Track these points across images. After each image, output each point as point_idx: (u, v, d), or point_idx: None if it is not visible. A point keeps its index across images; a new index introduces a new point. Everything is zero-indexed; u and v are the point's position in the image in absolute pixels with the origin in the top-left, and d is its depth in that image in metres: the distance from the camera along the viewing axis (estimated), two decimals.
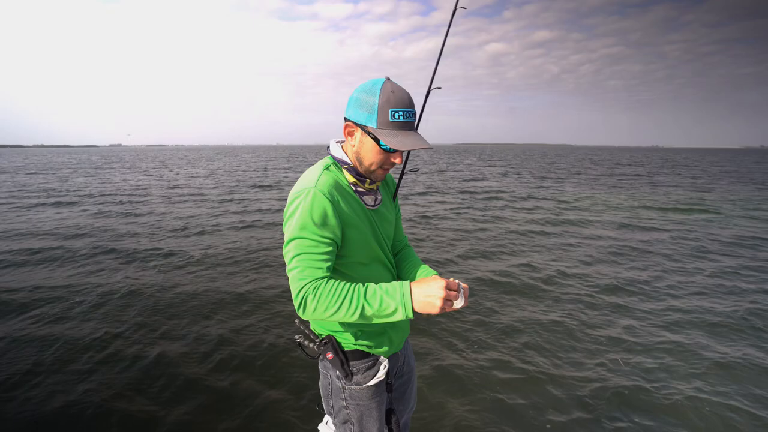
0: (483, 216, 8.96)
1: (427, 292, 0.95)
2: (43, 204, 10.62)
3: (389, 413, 1.25)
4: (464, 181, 17.32)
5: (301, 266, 0.99)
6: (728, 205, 10.55)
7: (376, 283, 1.05)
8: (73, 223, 8.10)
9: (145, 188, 14.29)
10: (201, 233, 7.25)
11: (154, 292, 4.36)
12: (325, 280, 0.99)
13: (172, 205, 10.44)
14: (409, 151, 1.40)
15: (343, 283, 0.99)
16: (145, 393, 2.63)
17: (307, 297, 0.97)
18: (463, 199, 11.71)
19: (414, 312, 0.96)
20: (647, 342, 3.22)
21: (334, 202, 1.04)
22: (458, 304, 0.97)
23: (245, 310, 3.87)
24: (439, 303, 0.94)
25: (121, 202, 10.83)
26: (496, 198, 11.95)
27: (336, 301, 0.96)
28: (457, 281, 0.99)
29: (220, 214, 9.18)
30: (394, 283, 1.00)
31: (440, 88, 1.21)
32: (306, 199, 1.01)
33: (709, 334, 3.36)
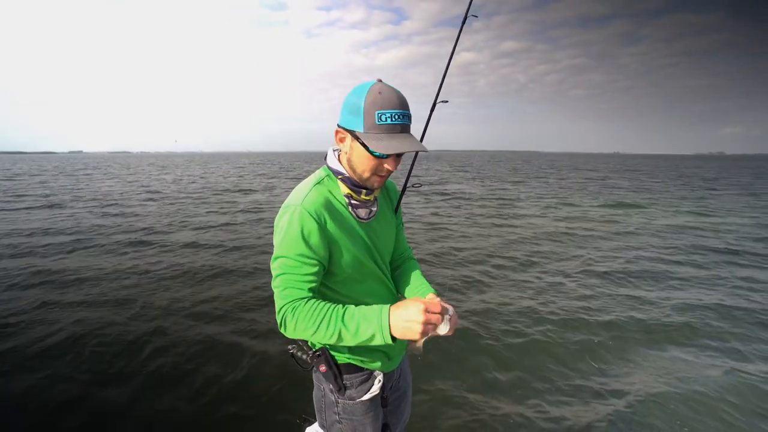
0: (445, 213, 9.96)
1: (405, 317, 0.89)
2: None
3: (384, 428, 1.23)
4: (433, 184, 18.48)
5: (283, 286, 0.98)
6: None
7: (372, 300, 1.02)
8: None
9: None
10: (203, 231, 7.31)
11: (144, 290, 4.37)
12: (305, 300, 0.97)
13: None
14: (412, 161, 1.37)
15: (322, 304, 0.96)
16: (130, 392, 2.64)
17: (286, 317, 0.96)
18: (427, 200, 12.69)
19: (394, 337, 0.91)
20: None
21: (319, 222, 1.00)
22: (442, 330, 0.92)
23: (242, 314, 3.86)
24: (418, 328, 0.87)
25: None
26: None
27: (314, 323, 0.94)
28: (442, 303, 0.93)
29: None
30: (373, 306, 0.96)
31: (447, 101, 1.15)
32: (292, 217, 0.99)
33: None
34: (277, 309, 0.99)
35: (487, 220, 8.91)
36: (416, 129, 1.28)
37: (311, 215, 0.98)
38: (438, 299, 0.98)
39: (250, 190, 15.69)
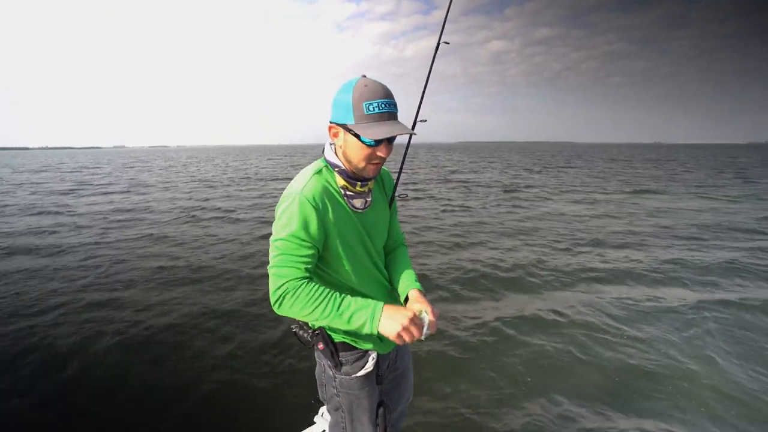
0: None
1: (394, 318, 1.02)
2: None
3: (379, 405, 1.30)
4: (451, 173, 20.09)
5: (282, 265, 1.06)
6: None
7: (363, 287, 1.14)
8: None
9: None
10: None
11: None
12: (306, 281, 1.05)
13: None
14: (404, 154, 1.50)
15: (322, 288, 1.05)
16: (138, 387, 2.79)
17: (286, 294, 1.03)
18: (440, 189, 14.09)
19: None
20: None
21: (317, 209, 1.08)
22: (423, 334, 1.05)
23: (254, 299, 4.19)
24: (397, 329, 1.01)
25: None
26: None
27: (312, 304, 1.02)
28: (424, 314, 1.07)
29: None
30: (369, 300, 1.07)
31: (425, 120, 1.29)
32: (292, 204, 1.08)
33: None
34: (275, 286, 1.04)
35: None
36: (407, 137, 1.41)
37: (310, 202, 1.08)
38: (421, 309, 1.10)
39: None
